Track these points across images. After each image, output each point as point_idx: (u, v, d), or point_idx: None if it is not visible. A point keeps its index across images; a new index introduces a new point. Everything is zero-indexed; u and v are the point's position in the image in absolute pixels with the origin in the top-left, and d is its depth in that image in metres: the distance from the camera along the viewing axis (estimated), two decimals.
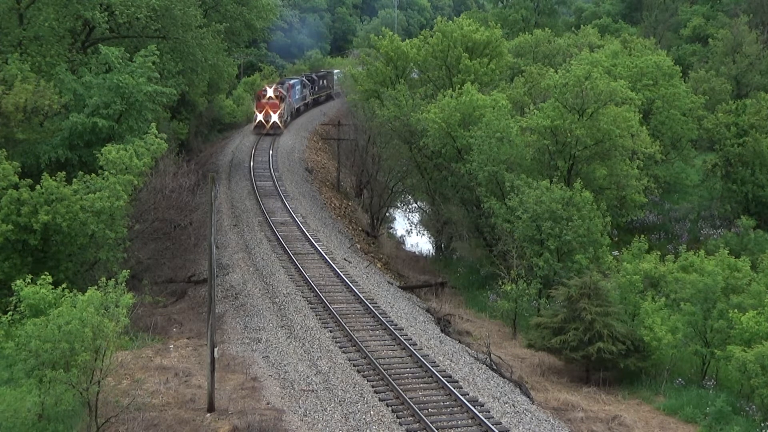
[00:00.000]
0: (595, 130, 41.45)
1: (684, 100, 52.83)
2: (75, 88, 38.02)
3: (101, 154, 32.58)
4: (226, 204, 50.23)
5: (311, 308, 32.98)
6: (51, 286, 23.62)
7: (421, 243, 58.72)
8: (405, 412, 23.82)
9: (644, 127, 45.79)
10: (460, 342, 32.06)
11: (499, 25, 68.83)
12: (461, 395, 24.77)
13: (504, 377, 27.84)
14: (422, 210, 60.06)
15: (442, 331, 33.49)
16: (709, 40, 72.78)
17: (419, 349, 28.81)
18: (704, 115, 53.51)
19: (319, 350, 28.66)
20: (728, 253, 32.91)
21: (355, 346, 28.93)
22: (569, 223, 36.93)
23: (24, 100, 35.43)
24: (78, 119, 36.73)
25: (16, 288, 23.28)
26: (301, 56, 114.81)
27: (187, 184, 42.93)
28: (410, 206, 62.46)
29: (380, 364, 26.84)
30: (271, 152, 63.87)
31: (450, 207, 49.38)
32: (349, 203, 58.64)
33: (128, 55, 39.79)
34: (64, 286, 23.93)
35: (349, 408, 24.09)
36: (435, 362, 27.72)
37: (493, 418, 23.59)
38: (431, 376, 26.35)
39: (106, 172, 31.80)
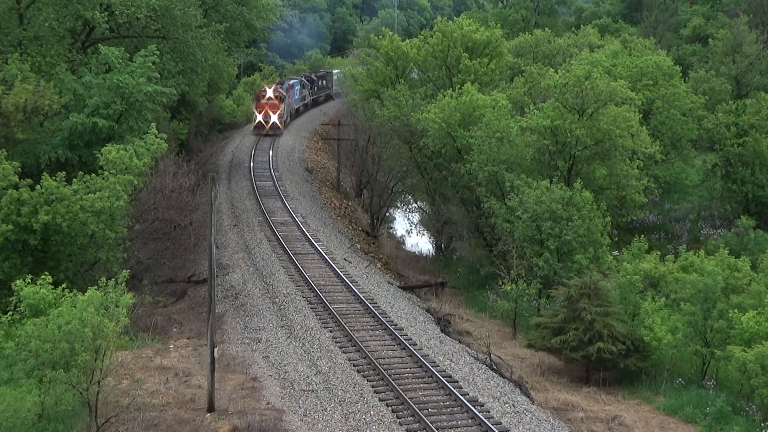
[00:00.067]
0: (595, 130, 41.45)
1: (684, 100, 52.84)
2: (75, 88, 38.03)
3: (101, 154, 32.58)
4: (226, 204, 50.23)
5: (311, 308, 32.98)
6: (51, 286, 23.61)
7: (421, 243, 58.73)
8: (405, 412, 23.82)
9: (644, 127, 45.79)
10: (460, 342, 32.06)
11: (499, 25, 68.80)
12: (461, 395, 24.77)
13: (504, 377, 27.84)
14: (422, 210, 60.06)
15: (442, 331, 33.48)
16: (709, 40, 72.78)
17: (419, 349, 28.81)
18: (704, 115, 53.52)
19: (319, 350, 28.66)
20: (728, 253, 32.90)
21: (355, 346, 28.93)
22: (569, 223, 36.94)
23: (24, 100, 35.44)
24: (78, 119, 36.73)
25: (16, 288, 23.27)
26: (301, 56, 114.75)
27: (187, 184, 42.91)
28: (410, 206, 62.44)
29: (380, 364, 26.84)
30: (271, 152, 63.86)
31: (450, 207, 49.37)
32: (349, 203, 58.65)
33: (128, 55, 39.79)
34: (64, 286, 23.93)
35: (349, 408, 24.09)
36: (435, 362, 27.72)
37: (493, 418, 23.60)
38: (431, 376, 26.34)
39: (106, 172, 31.80)
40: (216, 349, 24.01)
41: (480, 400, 24.90)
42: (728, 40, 68.80)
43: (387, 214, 59.19)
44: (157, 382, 25.64)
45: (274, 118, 70.04)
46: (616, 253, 39.22)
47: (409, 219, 62.78)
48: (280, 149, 65.90)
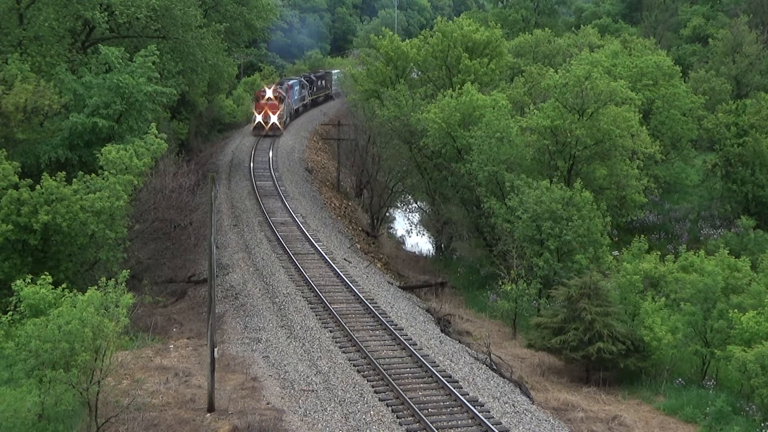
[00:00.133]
0: (595, 130, 41.46)
1: (684, 100, 52.85)
2: (75, 88, 38.02)
3: (101, 154, 32.58)
4: (226, 204, 50.24)
5: (311, 308, 32.98)
6: (51, 286, 23.61)
7: (421, 243, 58.73)
8: (405, 412, 23.81)
9: (644, 127, 45.80)
10: (460, 342, 32.06)
11: (499, 25, 68.84)
12: (461, 395, 24.76)
13: (504, 377, 27.84)
14: (422, 210, 60.06)
15: (442, 331, 33.48)
16: (709, 40, 72.79)
17: (419, 349, 28.80)
18: (704, 115, 53.53)
19: (319, 350, 28.66)
20: (728, 253, 32.91)
21: (355, 346, 28.92)
22: (569, 223, 36.94)
23: (24, 100, 35.43)
24: (78, 119, 36.73)
25: (16, 288, 23.26)
26: (301, 56, 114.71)
27: (187, 184, 42.92)
28: (410, 206, 62.44)
29: (380, 364, 26.84)
30: (271, 152, 63.85)
31: (450, 207, 49.38)
32: (349, 203, 58.65)
33: (128, 55, 39.78)
34: (64, 286, 23.93)
35: (349, 408, 24.09)
36: (435, 362, 27.71)
37: (493, 418, 23.59)
38: (431, 376, 26.34)
39: (106, 172, 31.80)
40: (216, 349, 24.01)
41: (480, 400, 24.90)
42: (728, 40, 68.81)
43: (387, 214, 59.19)
44: (157, 382, 25.64)
45: (273, 118, 69.93)
46: (616, 253, 39.22)
47: (409, 219, 62.79)
48: (280, 149, 65.89)
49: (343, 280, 36.33)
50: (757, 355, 25.79)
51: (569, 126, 41.30)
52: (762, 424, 25.04)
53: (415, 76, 64.79)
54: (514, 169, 42.00)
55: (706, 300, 29.37)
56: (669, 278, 31.91)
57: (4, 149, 31.77)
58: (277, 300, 34.23)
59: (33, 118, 36.49)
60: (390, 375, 26.01)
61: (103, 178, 31.56)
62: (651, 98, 51.51)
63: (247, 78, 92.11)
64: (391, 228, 62.60)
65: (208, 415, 23.42)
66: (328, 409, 24.11)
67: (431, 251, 56.61)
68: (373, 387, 25.50)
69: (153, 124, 36.45)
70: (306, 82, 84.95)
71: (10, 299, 23.64)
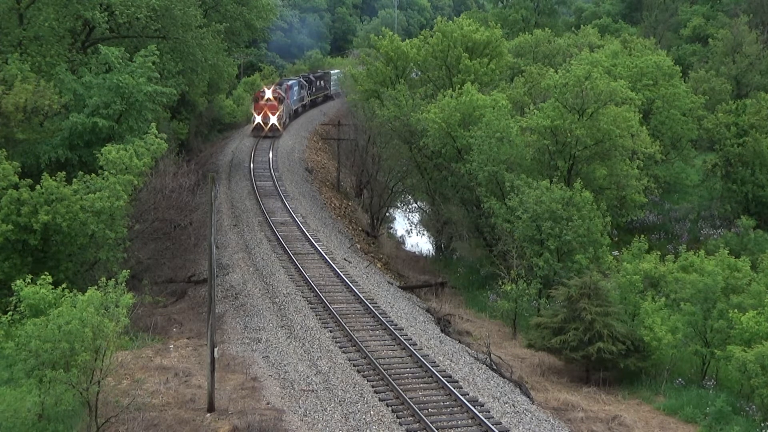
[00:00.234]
0: (595, 130, 41.46)
1: (684, 100, 52.85)
2: (75, 88, 38.03)
3: (101, 154, 32.58)
4: (226, 204, 50.24)
5: (311, 308, 32.98)
6: (51, 286, 23.61)
7: (421, 243, 58.74)
8: (405, 412, 23.82)
9: (644, 127, 45.80)
10: (460, 342, 32.06)
11: (499, 25, 68.84)
12: (461, 395, 24.76)
13: (504, 377, 27.84)
14: (422, 210, 60.07)
15: (442, 331, 33.48)
16: (709, 40, 72.79)
17: (419, 349, 28.80)
18: (704, 115, 53.53)
19: (319, 350, 28.66)
20: (728, 253, 32.91)
21: (355, 346, 28.93)
22: (569, 223, 36.94)
23: (24, 100, 35.44)
24: (78, 119, 36.74)
25: (16, 288, 23.26)
26: (301, 56, 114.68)
27: (187, 184, 42.93)
28: (410, 206, 62.45)
29: (380, 364, 26.84)
30: (271, 152, 63.84)
31: (450, 207, 49.38)
32: (349, 203, 58.65)
33: (128, 55, 39.79)
34: (64, 286, 23.93)
35: (349, 408, 24.09)
36: (435, 362, 27.71)
37: (493, 418, 23.60)
38: (431, 376, 26.34)
39: (106, 172, 31.80)
40: (216, 349, 24.01)
41: (480, 400, 24.90)
42: (728, 40, 68.81)
43: (387, 214, 59.18)
44: (157, 382, 25.64)
45: (273, 119, 69.79)
46: (616, 253, 39.22)
47: (409, 219, 62.80)
48: (280, 149, 65.89)
49: (343, 280, 36.33)
50: (757, 355, 25.79)
51: (569, 126, 41.30)
52: (762, 424, 25.04)
53: (415, 76, 64.80)
54: (514, 169, 42.01)
55: (706, 300, 29.37)
56: (669, 278, 31.91)
57: (4, 149, 31.78)
58: (277, 300, 34.24)
59: (33, 118, 36.50)
60: (390, 375, 26.01)
61: (103, 178, 31.56)
62: (651, 98, 51.52)
63: (247, 78, 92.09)
64: (391, 228, 62.60)
65: (208, 415, 23.43)
66: (328, 409, 24.11)
67: (431, 251, 56.62)
68: (373, 387, 25.50)
69: (153, 124, 36.45)
70: (305, 83, 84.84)
71: (10, 299, 23.64)
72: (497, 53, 61.02)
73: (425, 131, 47.76)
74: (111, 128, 37.26)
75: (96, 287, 22.36)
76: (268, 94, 69.91)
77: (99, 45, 42.01)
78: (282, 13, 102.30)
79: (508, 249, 39.19)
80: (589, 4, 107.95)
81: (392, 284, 40.27)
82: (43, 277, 24.06)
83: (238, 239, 43.41)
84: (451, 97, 47.79)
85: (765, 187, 48.45)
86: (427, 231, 58.91)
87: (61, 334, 20.69)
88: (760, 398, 25.76)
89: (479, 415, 23.36)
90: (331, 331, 30.45)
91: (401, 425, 23.05)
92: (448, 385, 25.45)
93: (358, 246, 47.06)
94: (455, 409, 24.18)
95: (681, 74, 56.41)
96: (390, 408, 24.04)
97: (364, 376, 26.33)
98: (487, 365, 28.72)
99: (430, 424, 22.79)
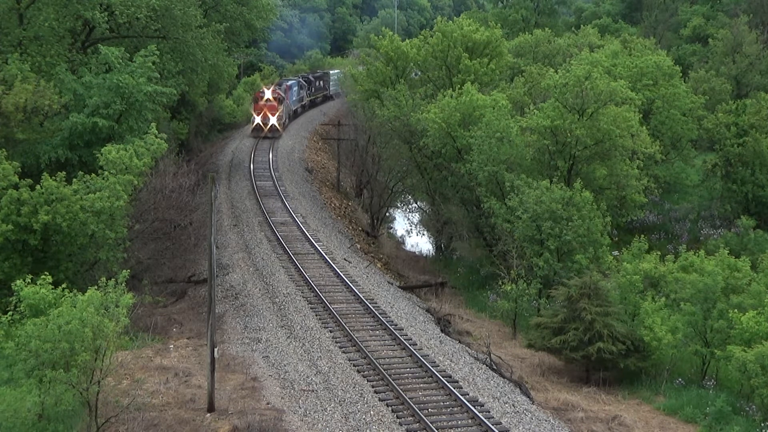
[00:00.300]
0: (595, 130, 41.46)
1: (684, 100, 52.85)
2: (75, 88, 38.03)
3: (101, 154, 32.59)
4: (226, 204, 50.24)
5: (311, 308, 32.98)
6: (51, 286, 23.61)
7: (421, 243, 58.73)
8: (405, 412, 23.82)
9: (644, 127, 45.80)
10: (460, 342, 32.06)
11: (499, 25, 68.83)
12: (461, 395, 24.77)
13: (504, 377, 27.84)
14: (422, 210, 60.06)
15: (442, 331, 33.48)
16: (709, 40, 72.79)
17: (419, 349, 28.80)
18: (704, 115, 53.53)
19: (319, 350, 28.66)
20: (728, 253, 32.91)
21: (355, 346, 28.92)
22: (569, 223, 36.94)
23: (24, 100, 35.44)
24: (78, 119, 36.74)
25: (16, 288, 23.27)
26: (301, 56, 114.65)
27: (187, 184, 42.93)
28: (410, 206, 62.44)
29: (380, 364, 26.84)
30: (270, 152, 63.84)
31: (450, 207, 49.38)
32: (349, 203, 58.65)
33: (128, 55, 39.79)
34: (64, 286, 23.94)
35: (349, 408, 24.09)
36: (435, 362, 27.71)
37: (493, 418, 23.60)
38: (431, 376, 26.34)
39: (106, 172, 31.81)
40: (216, 349, 24.02)
41: (480, 400, 24.90)
42: (728, 40, 68.82)
43: (387, 214, 59.17)
44: (157, 382, 25.64)
45: (272, 120, 69.68)
46: (616, 253, 39.22)
47: (409, 219, 62.78)
48: (280, 149, 65.89)
49: (343, 280, 36.33)
50: (757, 355, 25.79)
51: (569, 126, 41.30)
52: (762, 424, 25.04)
53: (415, 76, 64.79)
54: (514, 169, 42.01)
55: (706, 300, 29.37)
56: (669, 278, 31.91)
57: (4, 149, 31.78)
58: (277, 300, 34.24)
59: (33, 118, 36.51)
60: (390, 375, 26.01)
61: (103, 178, 31.56)
62: (651, 98, 51.52)
63: (247, 78, 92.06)
64: (391, 228, 62.60)
65: (208, 415, 23.43)
66: (328, 409, 24.11)
67: (431, 251, 56.61)
68: (373, 387, 25.50)
69: (153, 124, 36.45)
70: (304, 83, 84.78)
71: (10, 299, 23.64)
72: (497, 53, 61.02)
73: (425, 131, 47.76)
74: (111, 128, 37.26)
75: (96, 287, 22.37)
76: (268, 94, 69.79)
77: (99, 45, 42.02)
78: (282, 13, 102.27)
79: (508, 249, 39.19)
80: (589, 4, 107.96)
81: (392, 284, 40.27)
82: (43, 277, 24.06)
83: (238, 239, 43.41)
84: (451, 97, 47.79)
85: (765, 187, 48.45)
86: (427, 231, 58.90)
87: (61, 334, 20.69)
88: (760, 398, 25.76)
89: (479, 415, 23.36)
90: (331, 331, 30.45)
91: (401, 425, 23.05)
92: (448, 385, 25.45)
93: (358, 246, 47.06)
94: (455, 409, 24.18)
95: (681, 74, 56.41)
96: (390, 408, 24.04)
97: (364, 376, 26.33)
98: (487, 365, 28.72)
99: (430, 424, 22.79)
